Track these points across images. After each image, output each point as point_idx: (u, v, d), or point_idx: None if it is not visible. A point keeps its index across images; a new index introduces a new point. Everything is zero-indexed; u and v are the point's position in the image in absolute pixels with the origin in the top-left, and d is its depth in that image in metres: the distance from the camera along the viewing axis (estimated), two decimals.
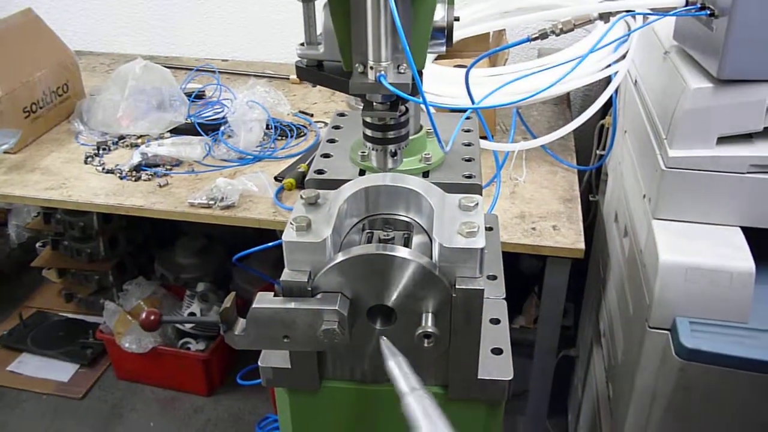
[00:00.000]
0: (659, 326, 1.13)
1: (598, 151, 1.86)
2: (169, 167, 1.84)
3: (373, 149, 0.88)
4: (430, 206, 0.98)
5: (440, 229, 0.91)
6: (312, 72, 0.87)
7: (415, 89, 0.79)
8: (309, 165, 1.76)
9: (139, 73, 1.99)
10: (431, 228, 0.98)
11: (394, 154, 0.88)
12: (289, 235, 0.91)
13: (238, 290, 2.39)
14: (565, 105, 2.16)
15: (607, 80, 1.59)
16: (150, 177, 1.79)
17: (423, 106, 0.83)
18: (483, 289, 0.90)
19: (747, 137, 1.11)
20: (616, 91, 1.57)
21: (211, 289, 2.28)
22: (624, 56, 1.57)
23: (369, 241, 1.01)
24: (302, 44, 0.87)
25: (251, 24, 2.58)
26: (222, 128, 1.96)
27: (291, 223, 0.92)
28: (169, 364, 2.26)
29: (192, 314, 2.20)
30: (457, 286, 0.89)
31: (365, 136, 0.88)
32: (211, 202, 1.65)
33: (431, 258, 0.92)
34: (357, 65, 0.79)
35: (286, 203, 1.66)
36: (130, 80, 1.97)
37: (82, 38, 2.75)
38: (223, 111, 2.09)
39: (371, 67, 0.76)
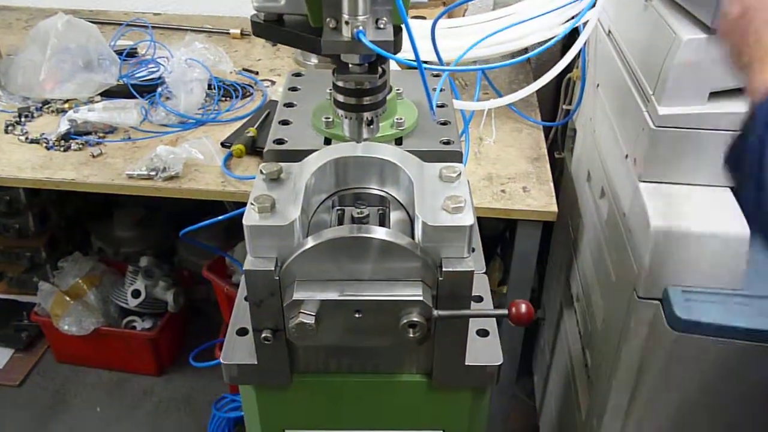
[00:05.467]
0: (649, 296, 1.06)
1: (564, 106, 1.77)
2: (101, 135, 1.66)
3: (345, 117, 0.76)
4: (409, 178, 0.87)
5: (422, 205, 0.81)
6: (271, 28, 0.74)
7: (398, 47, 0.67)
8: (258, 129, 1.62)
9: (62, 29, 1.78)
10: (409, 203, 0.88)
11: (370, 122, 0.76)
12: (251, 219, 0.79)
13: (185, 263, 2.25)
14: (525, 58, 2.06)
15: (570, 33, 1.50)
16: (81, 146, 1.62)
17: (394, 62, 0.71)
18: (472, 271, 0.81)
19: (738, 92, 1.04)
20: (585, 42, 1.48)
21: (155, 263, 2.13)
22: (594, 4, 1.47)
23: (340, 220, 0.89)
24: None
25: None
26: (159, 90, 1.78)
27: (252, 204, 0.80)
28: (115, 345, 2.12)
29: (136, 291, 2.05)
30: (443, 268, 0.79)
31: (336, 102, 0.76)
32: (152, 173, 1.50)
33: (413, 237, 0.82)
34: (328, 20, 0.66)
35: (235, 171, 1.52)
36: (51, 38, 1.76)
37: None
38: (159, 70, 1.90)
39: (346, 23, 0.64)
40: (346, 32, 0.65)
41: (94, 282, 2.09)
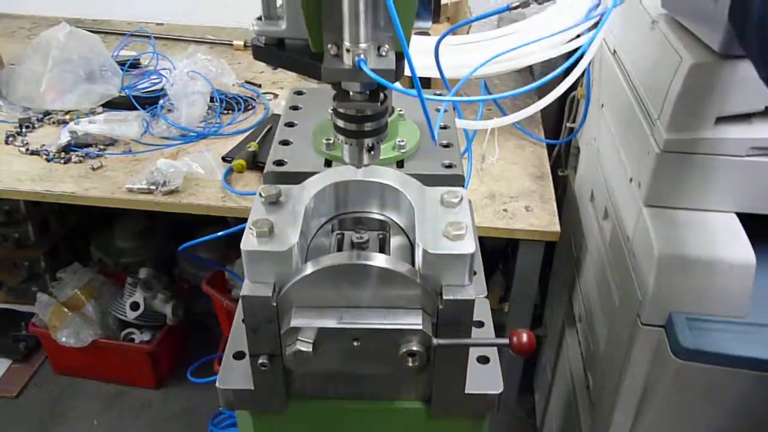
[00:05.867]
0: (653, 323, 1.05)
1: (568, 124, 1.76)
2: (102, 147, 1.65)
3: (345, 143, 0.75)
4: (409, 203, 0.86)
5: (423, 231, 0.79)
6: (271, 52, 0.72)
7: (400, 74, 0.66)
8: (260, 143, 1.61)
9: (64, 40, 1.78)
10: (410, 227, 0.86)
11: (371, 149, 0.75)
12: (249, 243, 0.77)
13: (184, 276, 2.24)
14: (528, 71, 2.06)
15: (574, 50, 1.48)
16: (81, 159, 1.61)
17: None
18: (474, 300, 0.79)
19: (746, 117, 1.02)
20: (590, 61, 1.46)
21: (155, 275, 2.11)
22: (597, 24, 1.46)
23: (340, 244, 0.88)
24: (259, 18, 0.72)
25: None
26: (161, 102, 1.77)
27: (251, 228, 0.78)
28: (113, 358, 2.10)
29: (135, 303, 2.04)
30: (444, 297, 0.78)
31: (336, 128, 0.74)
32: (152, 187, 1.49)
33: (413, 263, 0.81)
34: (329, 46, 0.65)
35: (235, 186, 1.51)
36: (53, 49, 1.76)
37: None
38: (161, 82, 1.89)
39: (347, 50, 0.63)
40: (348, 60, 0.63)
41: (93, 293, 2.08)
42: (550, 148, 1.80)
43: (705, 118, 1.02)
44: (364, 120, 0.72)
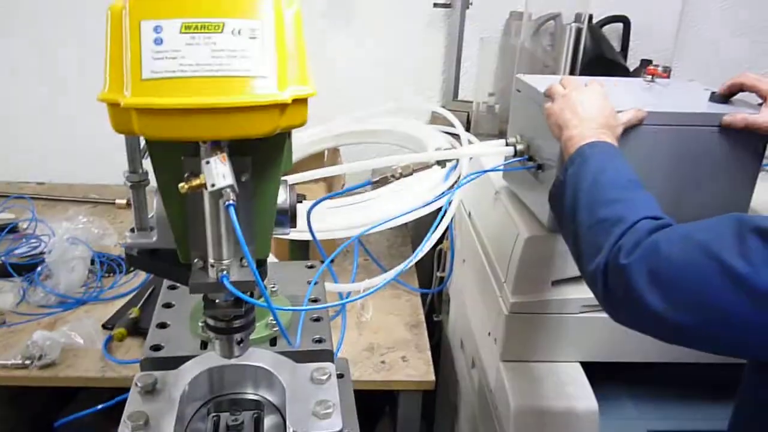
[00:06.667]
0: None
1: (438, 274, 1.90)
2: None
3: (216, 338, 0.82)
4: (281, 383, 0.92)
5: (293, 412, 0.86)
6: (145, 260, 0.79)
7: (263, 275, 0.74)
8: (141, 309, 1.63)
9: None
10: (283, 405, 0.92)
11: (240, 342, 0.82)
12: None
13: None
14: (404, 225, 2.21)
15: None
16: None
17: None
18: None
19: (578, 279, 1.18)
20: (452, 218, 1.62)
21: None
22: (455, 184, 1.64)
23: (216, 427, 0.92)
24: (132, 230, 0.80)
25: (69, 141, 2.39)
26: (39, 268, 1.76)
27: (126, 422, 0.82)
28: None
29: None
30: None
31: (207, 325, 0.81)
32: (28, 362, 1.46)
33: None
34: (196, 260, 0.73)
35: (116, 355, 1.51)
36: None
37: None
38: (40, 246, 1.89)
39: (212, 265, 0.71)
40: (212, 273, 0.71)
41: None
42: (426, 295, 1.92)
43: (543, 282, 1.16)
44: (232, 319, 0.79)
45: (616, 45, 2.20)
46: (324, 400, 0.87)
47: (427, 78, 2.30)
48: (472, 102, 2.17)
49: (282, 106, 0.61)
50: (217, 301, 0.75)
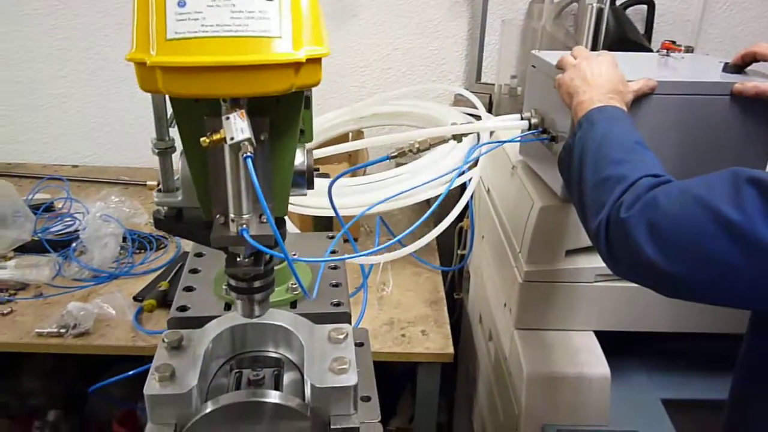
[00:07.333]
0: None
1: (459, 251, 1.93)
2: (12, 292, 1.69)
3: (237, 299, 0.86)
4: (300, 342, 0.96)
5: (311, 368, 0.90)
6: (170, 223, 0.84)
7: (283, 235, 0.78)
8: (170, 282, 1.69)
9: None
10: (302, 362, 0.97)
11: (261, 301, 0.87)
12: (151, 388, 0.85)
13: (95, 417, 2.21)
14: (425, 203, 2.24)
15: (462, 184, 1.68)
16: None
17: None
18: (358, 427, 0.89)
19: (592, 248, 1.20)
20: (472, 196, 1.65)
21: (64, 417, 2.08)
22: (476, 164, 1.66)
23: (238, 382, 0.97)
24: (159, 190, 0.85)
25: (103, 126, 2.48)
26: (73, 244, 1.84)
27: (153, 374, 0.87)
28: None
29: None
30: (331, 426, 0.87)
31: (229, 286, 0.86)
32: (63, 330, 1.53)
33: (303, 397, 0.90)
34: (218, 216, 0.77)
35: (146, 326, 1.57)
36: None
37: None
38: (74, 224, 1.97)
39: (232, 220, 0.75)
40: (233, 228, 0.75)
41: None
42: (446, 274, 1.96)
43: (557, 251, 1.19)
44: (252, 279, 0.83)
45: (641, 27, 2.20)
46: (340, 357, 0.91)
47: (450, 61, 2.33)
48: (494, 85, 2.18)
49: (297, 65, 0.65)
50: (238, 259, 0.79)
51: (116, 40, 2.33)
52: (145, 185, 2.33)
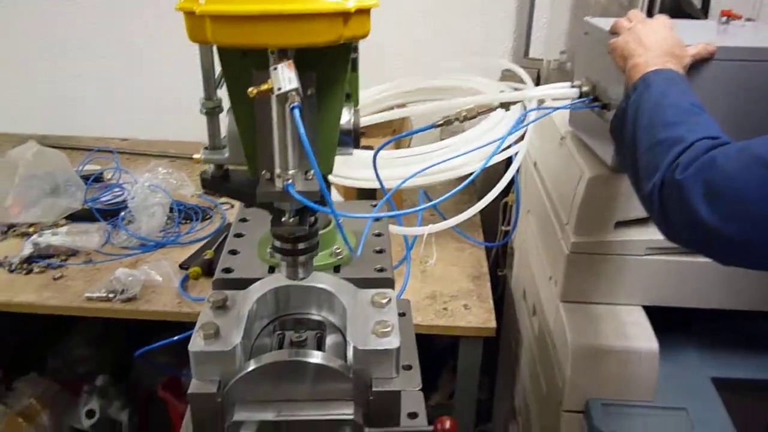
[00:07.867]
0: (573, 409, 1.14)
1: (503, 227, 1.90)
2: (63, 258, 1.73)
3: (282, 260, 0.86)
4: (343, 305, 0.96)
5: (353, 330, 0.90)
6: (217, 183, 0.85)
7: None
8: (215, 251, 1.71)
9: (31, 159, 1.89)
10: (344, 326, 0.96)
11: (305, 264, 0.86)
12: (196, 345, 0.86)
13: (141, 383, 2.26)
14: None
15: (508, 159, 1.65)
16: (43, 269, 1.68)
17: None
18: (400, 391, 0.89)
19: (642, 221, 1.17)
20: (518, 170, 1.62)
21: (111, 381, 2.13)
22: (523, 137, 1.63)
23: (281, 343, 0.97)
24: (206, 148, 0.85)
25: (152, 101, 2.52)
26: (122, 213, 1.87)
27: (198, 331, 0.88)
28: None
29: (90, 411, 2.05)
30: (373, 389, 0.87)
31: (273, 247, 0.86)
32: (111, 295, 1.57)
33: (345, 359, 0.90)
34: (264, 172, 0.77)
35: (191, 293, 1.60)
36: (20, 167, 1.86)
37: None
38: (123, 194, 2.00)
39: (278, 176, 0.75)
40: (279, 183, 0.75)
41: (48, 403, 2.08)
42: (489, 249, 1.93)
43: (606, 223, 1.16)
44: (296, 240, 0.83)
45: (697, 1, 2.12)
46: (383, 320, 0.90)
47: (499, 35, 2.29)
48: (542, 60, 2.14)
49: (345, 15, 0.64)
50: (283, 218, 0.79)
51: (165, 16, 2.35)
52: (192, 158, 2.34)
